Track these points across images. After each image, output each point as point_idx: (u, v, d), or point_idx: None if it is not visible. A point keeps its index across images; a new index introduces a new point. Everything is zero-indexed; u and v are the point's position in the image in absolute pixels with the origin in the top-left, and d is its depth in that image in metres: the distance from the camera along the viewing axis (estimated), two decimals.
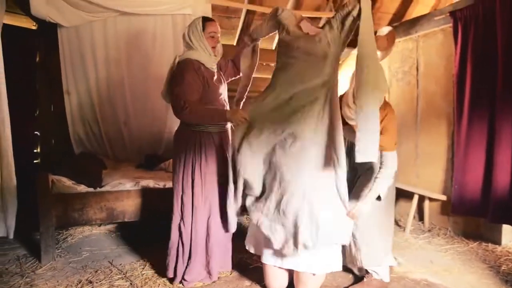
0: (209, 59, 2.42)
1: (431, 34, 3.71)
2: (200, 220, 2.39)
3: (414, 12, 4.17)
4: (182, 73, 2.31)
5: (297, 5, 4.21)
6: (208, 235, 2.41)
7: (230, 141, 2.48)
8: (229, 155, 2.33)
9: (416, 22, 3.80)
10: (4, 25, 2.91)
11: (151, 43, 3.83)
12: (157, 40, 3.84)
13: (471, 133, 3.21)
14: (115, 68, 3.78)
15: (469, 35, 3.18)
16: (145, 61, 3.84)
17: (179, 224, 2.41)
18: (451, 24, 3.35)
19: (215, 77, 2.47)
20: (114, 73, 3.78)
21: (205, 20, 2.42)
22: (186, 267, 2.40)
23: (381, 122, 2.04)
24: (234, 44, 4.54)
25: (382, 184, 2.19)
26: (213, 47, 2.42)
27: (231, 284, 2.44)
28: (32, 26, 3.81)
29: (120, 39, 3.73)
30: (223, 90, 2.53)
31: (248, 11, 4.21)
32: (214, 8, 3.93)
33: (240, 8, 4.15)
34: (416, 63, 3.89)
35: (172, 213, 2.44)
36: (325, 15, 4.35)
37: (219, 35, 2.46)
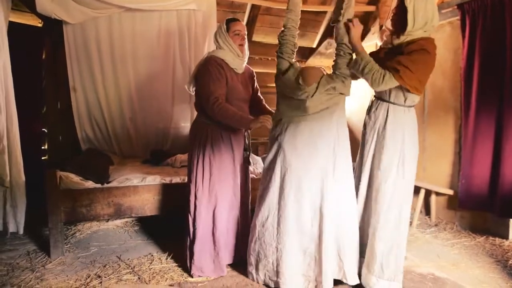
0: (234, 59, 2.47)
1: (439, 27, 3.66)
2: (204, 212, 2.42)
3: None
4: (208, 67, 2.39)
5: (303, 0, 4.16)
6: (214, 227, 2.44)
7: (246, 140, 2.57)
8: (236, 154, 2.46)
9: None
10: (10, 22, 2.93)
11: (156, 39, 3.83)
12: (162, 35, 3.84)
13: (478, 127, 3.19)
14: (121, 64, 3.78)
15: (477, 28, 3.14)
16: (150, 56, 3.85)
17: (188, 215, 2.48)
18: (458, 17, 3.31)
19: (238, 79, 2.51)
20: (120, 69, 3.79)
21: (229, 21, 2.50)
22: (193, 259, 2.44)
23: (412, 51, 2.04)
24: None
25: (361, 66, 2.12)
26: (240, 45, 2.49)
27: (237, 279, 2.45)
28: (38, 23, 3.83)
29: (125, 35, 3.73)
30: (244, 95, 2.55)
31: (253, 6, 4.19)
32: (219, 3, 3.91)
33: (245, 2, 4.13)
34: None
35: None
36: (330, 9, 4.31)
37: (244, 32, 2.52)
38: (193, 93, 2.62)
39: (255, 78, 2.75)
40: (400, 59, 2.06)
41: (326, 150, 2.19)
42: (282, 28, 2.42)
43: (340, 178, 2.23)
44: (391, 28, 2.21)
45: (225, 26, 2.47)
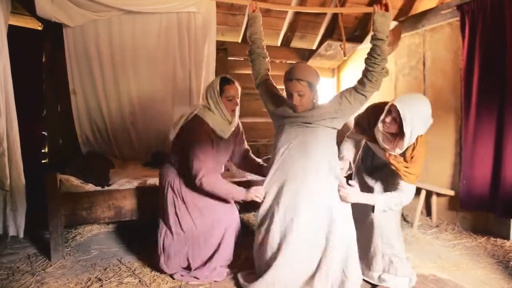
0: (222, 129, 2.38)
1: (438, 28, 3.68)
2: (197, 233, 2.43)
3: (420, 6, 4.12)
4: (199, 137, 2.30)
5: (302, 2, 4.18)
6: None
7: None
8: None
9: (422, 16, 3.77)
10: (10, 26, 2.93)
11: (156, 42, 3.83)
12: (162, 38, 3.84)
13: (479, 127, 3.18)
14: (121, 67, 3.79)
15: (477, 29, 3.14)
16: (150, 59, 3.85)
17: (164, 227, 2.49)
18: (458, 18, 3.32)
19: (222, 144, 2.44)
20: (120, 71, 3.79)
21: (224, 83, 2.39)
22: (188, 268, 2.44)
23: (412, 150, 2.12)
24: (239, 41, 4.53)
25: (389, 205, 2.15)
26: (232, 110, 2.41)
27: (229, 284, 2.44)
28: (38, 26, 3.83)
29: (125, 37, 3.73)
30: (223, 158, 2.54)
31: None
32: (219, 5, 3.91)
33: (245, 5, 4.13)
34: (423, 57, 3.85)
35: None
36: (330, 11, 4.33)
37: (238, 96, 2.42)
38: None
39: (242, 134, 2.69)
40: (404, 169, 2.12)
41: (319, 171, 2.16)
42: (249, 42, 2.52)
43: (336, 205, 2.16)
44: (386, 132, 2.14)
45: (218, 89, 2.36)
